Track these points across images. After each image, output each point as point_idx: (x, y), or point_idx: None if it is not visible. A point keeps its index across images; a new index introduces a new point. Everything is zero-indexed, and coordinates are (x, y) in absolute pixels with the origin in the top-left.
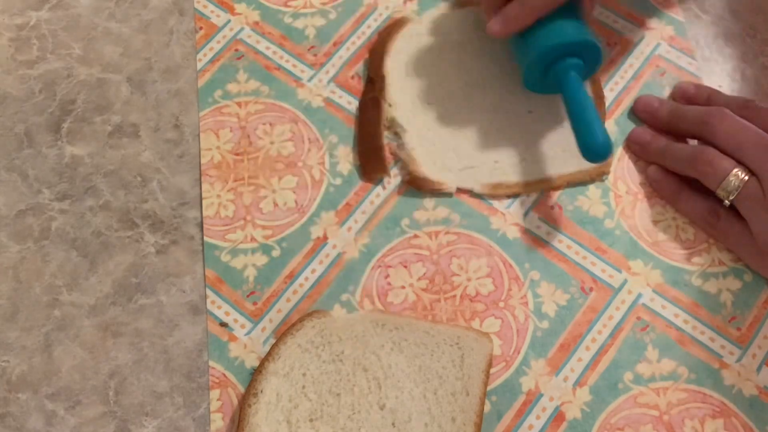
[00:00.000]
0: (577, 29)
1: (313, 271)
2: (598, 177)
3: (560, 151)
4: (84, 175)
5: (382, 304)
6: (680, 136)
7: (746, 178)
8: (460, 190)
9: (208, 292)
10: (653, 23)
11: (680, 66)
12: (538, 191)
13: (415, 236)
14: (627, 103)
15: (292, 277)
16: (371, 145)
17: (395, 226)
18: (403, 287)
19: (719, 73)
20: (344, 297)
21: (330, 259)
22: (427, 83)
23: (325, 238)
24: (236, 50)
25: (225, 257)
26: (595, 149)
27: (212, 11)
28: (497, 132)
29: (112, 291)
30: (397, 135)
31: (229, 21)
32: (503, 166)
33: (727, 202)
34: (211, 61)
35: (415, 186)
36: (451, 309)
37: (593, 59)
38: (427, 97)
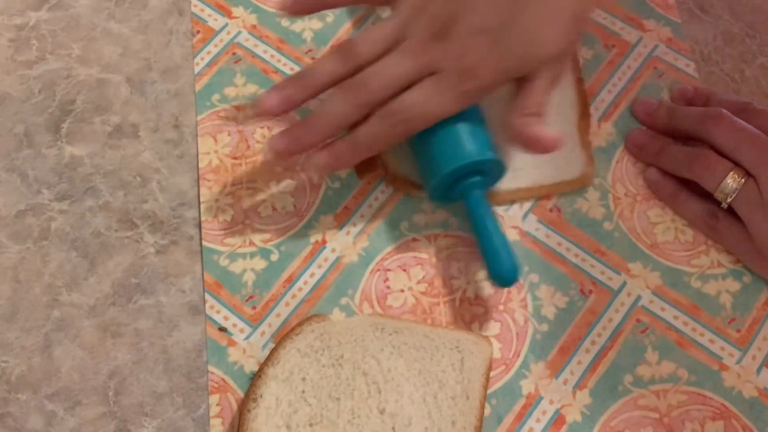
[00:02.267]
0: (478, 145)
1: (312, 275)
2: (581, 188)
3: (542, 162)
4: (83, 175)
5: (381, 308)
6: (678, 138)
7: (743, 180)
8: None
9: (207, 296)
10: (651, 25)
11: (678, 68)
12: (520, 200)
13: (414, 240)
14: (625, 105)
15: (291, 281)
16: None
17: (394, 229)
18: (402, 291)
19: (718, 73)
20: (343, 301)
21: (329, 263)
22: None
23: (324, 241)
24: (234, 54)
25: (223, 261)
26: (501, 276)
27: (209, 15)
28: None
29: (112, 291)
30: None
31: (226, 24)
32: None
33: (725, 204)
34: (209, 64)
35: (396, 188)
36: (451, 312)
37: (497, 171)
38: None
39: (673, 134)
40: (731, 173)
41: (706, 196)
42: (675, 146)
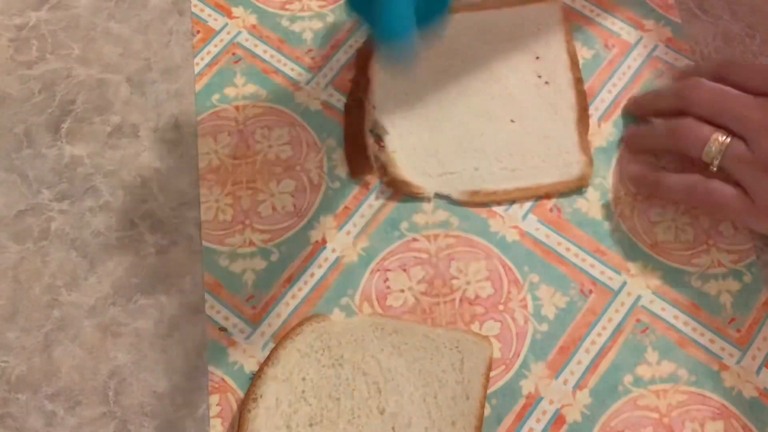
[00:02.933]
0: None
1: (312, 275)
2: (579, 188)
3: (540, 161)
4: (83, 175)
5: (381, 308)
6: (665, 117)
7: (728, 140)
8: (438, 196)
9: (207, 296)
10: (651, 25)
11: (678, 68)
12: (518, 199)
13: (414, 240)
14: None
15: (291, 281)
16: (355, 145)
17: (394, 229)
18: (402, 291)
19: None
20: (343, 301)
21: (329, 263)
22: (412, 87)
23: (324, 242)
24: (234, 54)
25: (223, 262)
26: (388, 29)
27: (209, 15)
28: (479, 139)
29: (112, 291)
30: (379, 137)
31: (226, 24)
32: (482, 173)
33: (713, 168)
34: (209, 65)
35: (394, 189)
36: (451, 312)
37: None
38: (412, 101)
39: (658, 114)
40: (713, 136)
41: (691, 171)
42: (656, 121)
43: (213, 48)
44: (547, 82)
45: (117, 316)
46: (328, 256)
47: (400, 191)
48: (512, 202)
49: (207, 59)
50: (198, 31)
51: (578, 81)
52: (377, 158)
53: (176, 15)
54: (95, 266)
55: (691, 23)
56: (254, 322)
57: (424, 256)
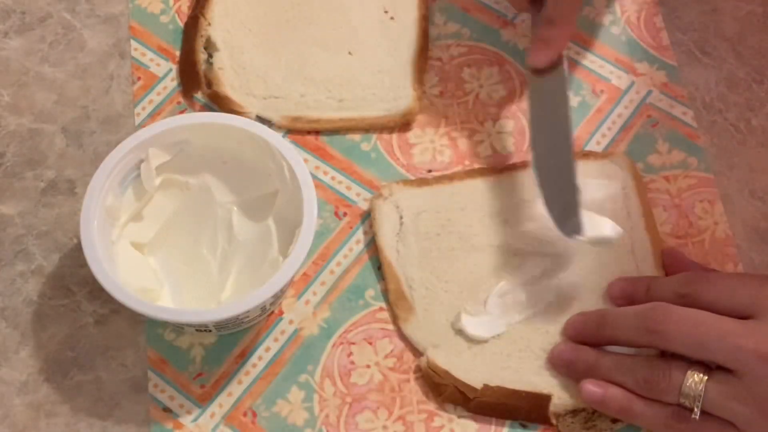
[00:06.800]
0: None
1: (268, 349)
2: (407, 123)
3: (369, 94)
4: (14, 237)
5: (344, 385)
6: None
7: (705, 377)
8: (260, 119)
9: (151, 374)
10: (644, 68)
11: (675, 116)
12: (339, 130)
13: (381, 309)
14: None
15: (244, 356)
16: (188, 62)
17: (358, 298)
18: (368, 366)
19: (721, 123)
20: (302, 378)
21: (286, 336)
22: (254, 8)
23: (281, 312)
24: (179, 103)
25: (168, 335)
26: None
27: (151, 59)
28: (311, 67)
29: (46, 366)
30: (210, 54)
31: (170, 70)
32: (308, 100)
33: (695, 416)
34: (151, 115)
35: (216, 105)
36: (422, 389)
37: None
38: (250, 22)
39: (615, 344)
40: (689, 373)
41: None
42: (608, 357)
43: (156, 96)
44: (392, 18)
45: (51, 394)
46: (285, 328)
47: (223, 108)
48: (335, 132)
49: (149, 109)
50: (139, 78)
51: (423, 18)
52: (206, 75)
53: (117, 58)
54: (27, 338)
55: (690, 66)
56: (203, 402)
57: (392, 327)
